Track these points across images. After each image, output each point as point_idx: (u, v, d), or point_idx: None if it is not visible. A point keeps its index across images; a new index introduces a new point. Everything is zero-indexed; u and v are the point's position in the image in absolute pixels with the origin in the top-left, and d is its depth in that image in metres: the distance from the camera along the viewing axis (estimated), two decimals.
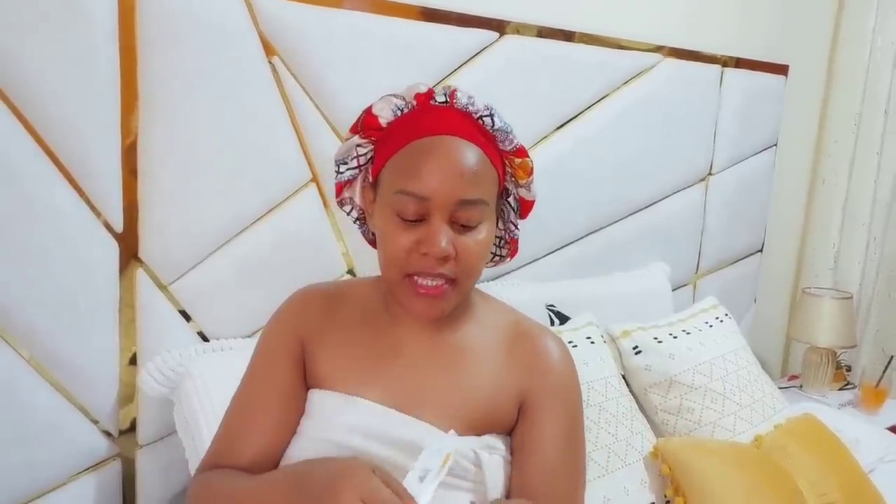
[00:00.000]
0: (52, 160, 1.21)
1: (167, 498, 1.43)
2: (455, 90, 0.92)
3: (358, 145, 0.96)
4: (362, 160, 0.97)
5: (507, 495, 0.94)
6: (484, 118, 0.92)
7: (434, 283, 0.89)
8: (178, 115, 1.31)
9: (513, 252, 1.06)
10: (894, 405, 2.40)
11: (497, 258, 1.06)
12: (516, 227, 1.03)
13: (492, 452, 0.94)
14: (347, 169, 0.97)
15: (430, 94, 0.92)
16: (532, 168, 0.96)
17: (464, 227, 0.89)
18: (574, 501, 0.97)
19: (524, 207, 1.01)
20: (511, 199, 1.00)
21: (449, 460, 0.81)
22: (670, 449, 1.49)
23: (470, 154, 0.89)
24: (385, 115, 0.93)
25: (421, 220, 0.88)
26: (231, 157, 1.38)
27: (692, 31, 2.13)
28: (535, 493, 0.93)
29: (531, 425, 0.96)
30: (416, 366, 0.96)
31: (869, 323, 2.75)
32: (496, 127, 0.92)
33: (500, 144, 0.93)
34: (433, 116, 0.91)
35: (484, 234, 0.91)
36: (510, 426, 0.98)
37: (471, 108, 0.91)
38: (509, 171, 0.97)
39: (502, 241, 1.04)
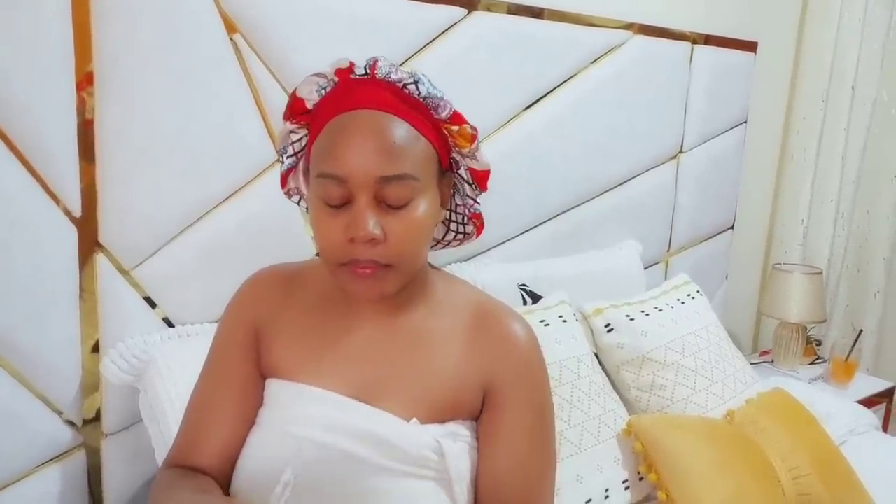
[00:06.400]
0: (5, 142, 1.17)
1: (134, 487, 1.40)
2: (377, 60, 0.85)
3: (291, 132, 0.92)
4: (297, 147, 0.93)
5: (475, 483, 0.93)
6: (408, 86, 0.85)
7: (366, 265, 0.84)
8: (136, 94, 1.27)
9: (479, 228, 1.00)
10: (864, 378, 2.46)
11: (461, 235, 1.01)
12: (475, 201, 0.97)
13: (456, 440, 0.91)
14: (287, 157, 0.94)
15: (350, 68, 0.86)
16: (473, 135, 0.89)
17: (393, 207, 0.83)
18: (543, 489, 0.94)
19: (478, 178, 0.94)
20: (462, 171, 0.94)
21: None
22: (643, 426, 1.49)
23: (390, 126, 0.83)
24: (310, 97, 0.88)
25: (347, 203, 0.83)
26: (192, 138, 1.34)
27: (661, 8, 2.12)
28: (503, 481, 0.91)
29: (497, 412, 0.93)
30: (375, 352, 0.93)
31: (838, 298, 2.79)
32: (423, 95, 0.85)
33: (433, 113, 0.87)
34: (354, 91, 0.86)
35: (419, 212, 0.84)
36: (475, 412, 0.95)
37: (393, 77, 0.85)
38: (452, 141, 0.91)
39: (465, 218, 1.00)
